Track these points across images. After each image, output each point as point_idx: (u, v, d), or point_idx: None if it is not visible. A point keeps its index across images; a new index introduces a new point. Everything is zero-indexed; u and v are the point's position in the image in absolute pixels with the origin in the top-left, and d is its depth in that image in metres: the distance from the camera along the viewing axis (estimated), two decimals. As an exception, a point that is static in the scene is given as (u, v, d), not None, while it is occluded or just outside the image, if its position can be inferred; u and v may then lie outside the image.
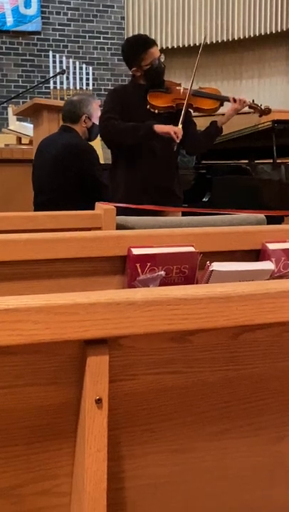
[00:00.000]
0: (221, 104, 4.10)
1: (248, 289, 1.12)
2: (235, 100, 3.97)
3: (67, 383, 1.08)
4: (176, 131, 3.79)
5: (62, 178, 4.01)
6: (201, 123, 4.19)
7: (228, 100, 4.04)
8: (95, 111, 4.19)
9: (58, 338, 1.01)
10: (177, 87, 4.04)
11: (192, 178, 5.25)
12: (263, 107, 4.13)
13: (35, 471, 1.12)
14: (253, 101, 4.12)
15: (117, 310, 1.04)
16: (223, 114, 4.09)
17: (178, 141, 3.79)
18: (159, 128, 3.80)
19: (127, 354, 1.10)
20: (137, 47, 4.03)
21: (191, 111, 4.09)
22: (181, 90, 4.02)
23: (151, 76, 3.97)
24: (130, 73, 4.11)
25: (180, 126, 3.82)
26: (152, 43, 4.07)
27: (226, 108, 4.09)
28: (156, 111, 3.96)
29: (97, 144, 4.84)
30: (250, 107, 4.09)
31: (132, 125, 3.85)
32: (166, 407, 1.17)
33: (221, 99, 4.09)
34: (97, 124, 4.09)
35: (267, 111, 4.14)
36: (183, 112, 3.88)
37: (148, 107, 3.95)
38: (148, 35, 4.84)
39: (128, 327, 1.04)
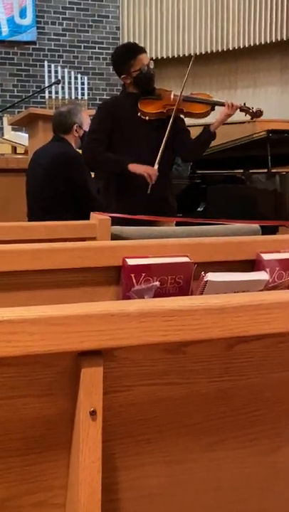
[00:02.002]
0: (213, 109, 4.10)
1: (242, 300, 1.13)
2: (226, 104, 3.97)
3: (62, 395, 1.08)
4: (150, 173, 3.81)
5: (53, 188, 4.03)
6: (195, 131, 4.19)
7: (219, 104, 4.04)
8: (85, 118, 4.22)
9: (53, 349, 1.01)
10: (168, 94, 4.04)
11: (187, 188, 5.26)
12: (254, 110, 4.12)
13: (29, 482, 1.11)
14: (245, 104, 4.12)
15: (111, 321, 1.04)
16: None
17: (152, 182, 3.80)
18: (134, 167, 3.82)
19: (122, 365, 1.10)
20: (126, 54, 4.04)
21: (183, 116, 4.09)
22: (172, 96, 4.01)
23: (140, 82, 3.96)
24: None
25: (156, 166, 3.83)
26: (141, 49, 4.09)
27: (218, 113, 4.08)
28: (147, 118, 3.96)
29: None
30: (241, 109, 4.07)
31: (109, 159, 3.90)
32: (161, 419, 1.17)
33: (212, 103, 4.09)
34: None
35: (259, 113, 4.12)
36: (167, 133, 3.87)
37: (139, 114, 3.95)
38: (143, 45, 4.86)
39: (122, 338, 1.04)
